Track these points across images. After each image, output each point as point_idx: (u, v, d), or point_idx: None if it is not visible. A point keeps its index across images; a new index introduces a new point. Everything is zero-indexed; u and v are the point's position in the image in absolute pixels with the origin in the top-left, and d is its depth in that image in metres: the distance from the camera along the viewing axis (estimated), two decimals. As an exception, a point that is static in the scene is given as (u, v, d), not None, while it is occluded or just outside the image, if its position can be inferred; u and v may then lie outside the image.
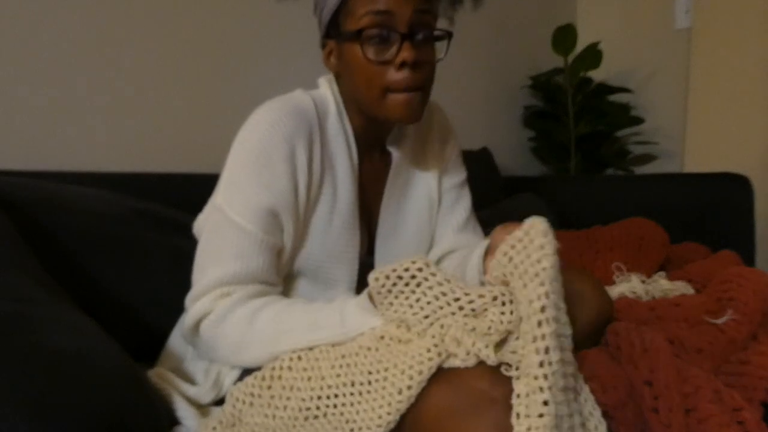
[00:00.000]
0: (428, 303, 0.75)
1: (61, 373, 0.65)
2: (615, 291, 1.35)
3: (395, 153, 1.02)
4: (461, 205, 1.12)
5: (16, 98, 1.21)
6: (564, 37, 2.28)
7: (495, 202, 1.89)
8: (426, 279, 0.75)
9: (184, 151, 1.45)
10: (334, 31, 0.90)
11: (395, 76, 0.85)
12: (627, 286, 1.37)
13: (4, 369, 0.62)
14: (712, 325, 1.09)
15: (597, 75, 2.36)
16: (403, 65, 0.84)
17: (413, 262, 0.76)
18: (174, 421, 0.82)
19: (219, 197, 0.90)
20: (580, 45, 2.30)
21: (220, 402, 0.88)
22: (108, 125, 1.34)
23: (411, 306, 0.76)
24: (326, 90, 0.96)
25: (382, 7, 0.83)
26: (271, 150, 0.87)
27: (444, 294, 0.75)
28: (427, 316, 0.75)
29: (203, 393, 0.87)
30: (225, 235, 0.87)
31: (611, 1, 2.57)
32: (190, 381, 0.92)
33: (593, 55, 2.27)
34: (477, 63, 2.27)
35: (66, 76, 1.27)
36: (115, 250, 1.07)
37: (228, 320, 0.85)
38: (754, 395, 0.94)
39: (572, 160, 2.36)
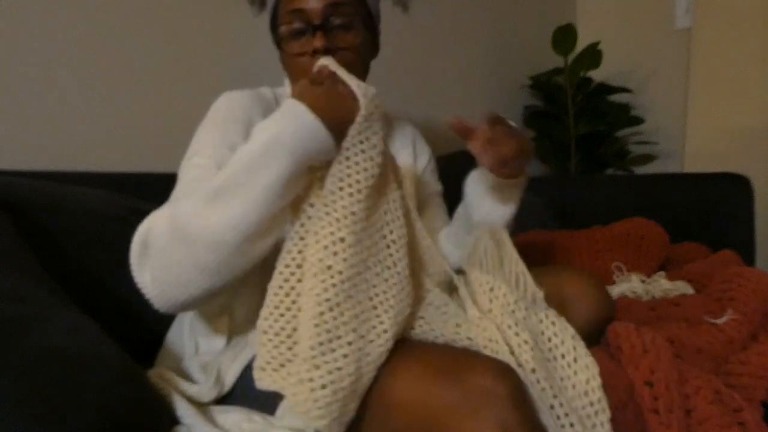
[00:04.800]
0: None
1: (61, 374, 0.65)
2: (615, 291, 1.35)
3: None
4: (436, 214, 1.16)
5: (16, 98, 1.21)
6: (564, 37, 2.28)
7: (495, 202, 1.88)
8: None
9: (184, 152, 1.44)
10: (274, 36, 0.99)
11: (312, 63, 0.89)
12: (627, 286, 1.38)
13: (4, 369, 0.62)
14: (712, 325, 1.09)
15: (597, 75, 2.36)
16: (315, 53, 0.91)
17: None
18: (174, 421, 0.81)
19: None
20: (580, 45, 2.30)
21: (221, 400, 0.88)
22: (108, 125, 1.34)
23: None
24: (287, 87, 1.04)
25: (298, 5, 0.93)
26: (227, 114, 0.93)
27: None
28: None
29: (205, 392, 0.87)
30: (183, 178, 0.89)
31: (611, 1, 2.57)
32: (190, 379, 0.92)
33: (593, 55, 2.27)
34: (477, 63, 2.27)
35: (66, 76, 1.27)
36: (115, 250, 1.06)
37: (179, 207, 0.78)
38: (755, 395, 0.94)
39: (572, 160, 2.36)
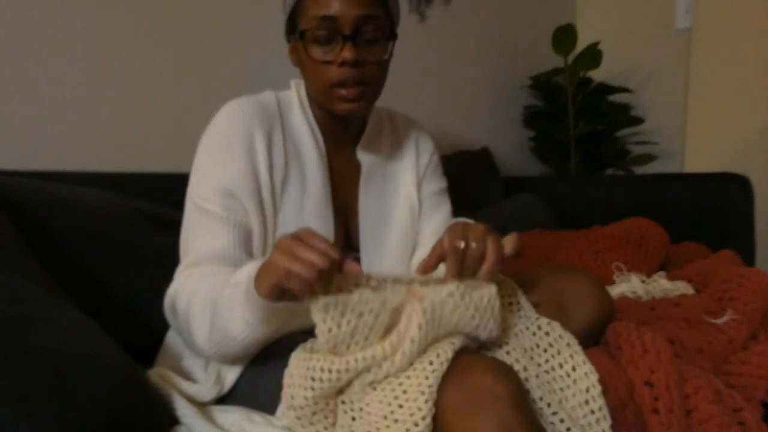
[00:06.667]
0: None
1: (61, 374, 0.65)
2: (615, 291, 1.35)
3: (365, 159, 1.05)
4: (441, 212, 1.15)
5: (16, 98, 1.21)
6: (564, 37, 2.28)
7: (495, 202, 1.89)
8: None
9: (184, 151, 1.44)
10: (291, 28, 0.97)
11: (338, 73, 0.91)
12: (627, 286, 1.38)
13: (4, 369, 0.62)
14: (712, 325, 1.09)
15: (597, 75, 2.36)
16: (343, 64, 0.90)
17: None
18: (174, 421, 0.81)
19: (189, 186, 0.95)
20: (580, 45, 2.30)
21: (221, 400, 0.88)
22: (108, 125, 1.34)
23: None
24: (293, 90, 1.03)
25: (328, 12, 0.89)
26: (229, 134, 0.93)
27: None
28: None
29: (205, 391, 0.87)
30: (194, 218, 0.93)
31: (611, 1, 2.56)
32: (191, 379, 0.92)
33: (593, 55, 2.27)
34: (477, 63, 2.27)
35: (66, 76, 1.27)
36: (115, 250, 1.07)
37: (183, 298, 0.87)
38: (755, 395, 0.94)
39: (572, 160, 2.36)
